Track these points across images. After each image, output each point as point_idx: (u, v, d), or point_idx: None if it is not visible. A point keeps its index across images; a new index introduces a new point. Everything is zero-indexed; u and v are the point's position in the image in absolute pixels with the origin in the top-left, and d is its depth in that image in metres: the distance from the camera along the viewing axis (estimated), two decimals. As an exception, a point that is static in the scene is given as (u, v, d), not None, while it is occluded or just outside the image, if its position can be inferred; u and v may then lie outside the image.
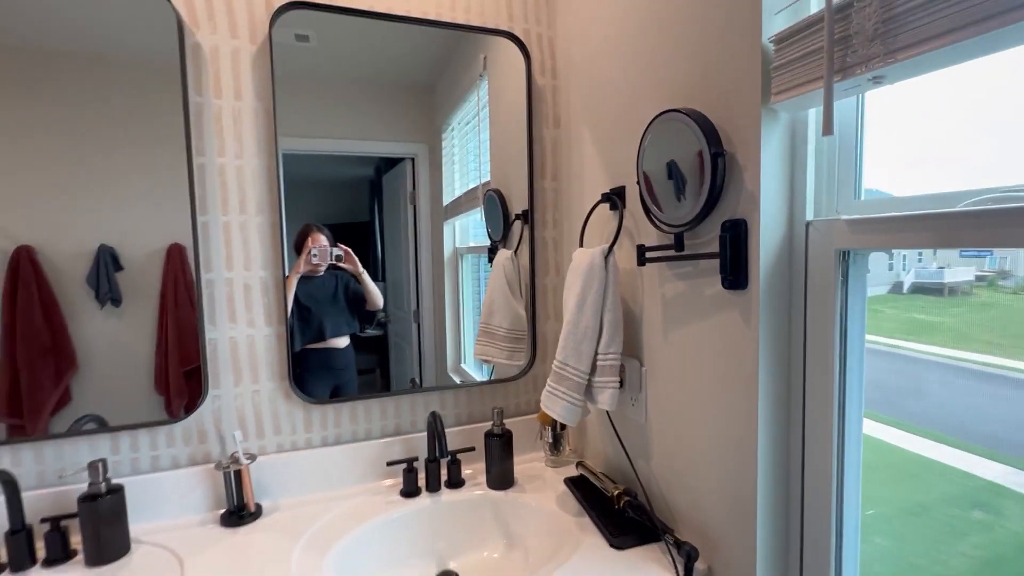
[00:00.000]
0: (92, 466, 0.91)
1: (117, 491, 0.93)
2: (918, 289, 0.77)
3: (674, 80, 0.86)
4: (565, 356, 1.00)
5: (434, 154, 1.20)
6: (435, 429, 1.07)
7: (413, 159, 1.18)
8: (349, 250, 1.15)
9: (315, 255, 1.11)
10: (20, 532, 0.88)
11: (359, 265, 1.16)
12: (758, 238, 0.72)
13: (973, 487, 0.73)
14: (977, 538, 0.71)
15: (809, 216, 0.72)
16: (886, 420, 0.79)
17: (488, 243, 1.32)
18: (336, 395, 1.16)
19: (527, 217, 1.33)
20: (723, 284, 0.77)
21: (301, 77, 1.08)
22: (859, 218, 0.64)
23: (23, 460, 0.96)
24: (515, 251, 1.34)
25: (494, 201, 1.33)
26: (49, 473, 0.97)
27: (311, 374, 1.13)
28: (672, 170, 0.82)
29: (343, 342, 1.17)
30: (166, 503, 1.02)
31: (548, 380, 1.04)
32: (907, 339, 0.76)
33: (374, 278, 1.19)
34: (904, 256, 0.81)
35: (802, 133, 0.72)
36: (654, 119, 0.85)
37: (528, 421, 1.31)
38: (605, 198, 1.06)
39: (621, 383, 0.98)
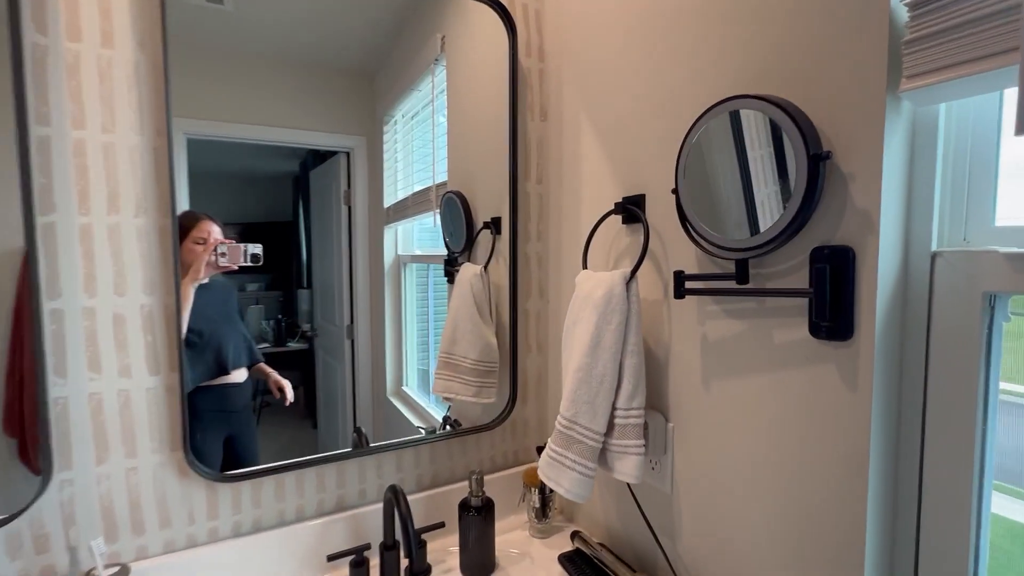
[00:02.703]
0: None
1: None
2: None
3: (734, 59, 0.66)
4: (575, 413, 0.77)
5: (374, 149, 1.02)
6: (399, 510, 0.79)
7: (348, 154, 1.01)
8: None
9: (223, 253, 0.81)
10: None
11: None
12: (874, 273, 0.53)
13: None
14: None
15: (934, 246, 0.54)
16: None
17: (440, 252, 1.10)
18: (232, 448, 0.86)
19: (498, 226, 1.09)
20: (812, 331, 0.58)
21: (211, 47, 0.81)
22: (1031, 253, 0.47)
23: None
24: (485, 267, 1.10)
25: (454, 206, 1.10)
26: None
27: (199, 423, 0.81)
28: (738, 177, 0.62)
29: (241, 375, 0.89)
30: (-24, 652, 0.67)
31: (550, 443, 0.80)
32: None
33: (299, 285, 0.97)
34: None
35: (927, 135, 0.54)
36: (711, 108, 0.64)
37: (507, 479, 1.06)
38: (620, 209, 0.85)
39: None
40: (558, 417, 0.80)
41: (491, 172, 1.10)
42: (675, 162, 0.71)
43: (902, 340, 0.56)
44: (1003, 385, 0.54)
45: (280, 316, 0.94)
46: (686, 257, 0.75)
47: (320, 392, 1.00)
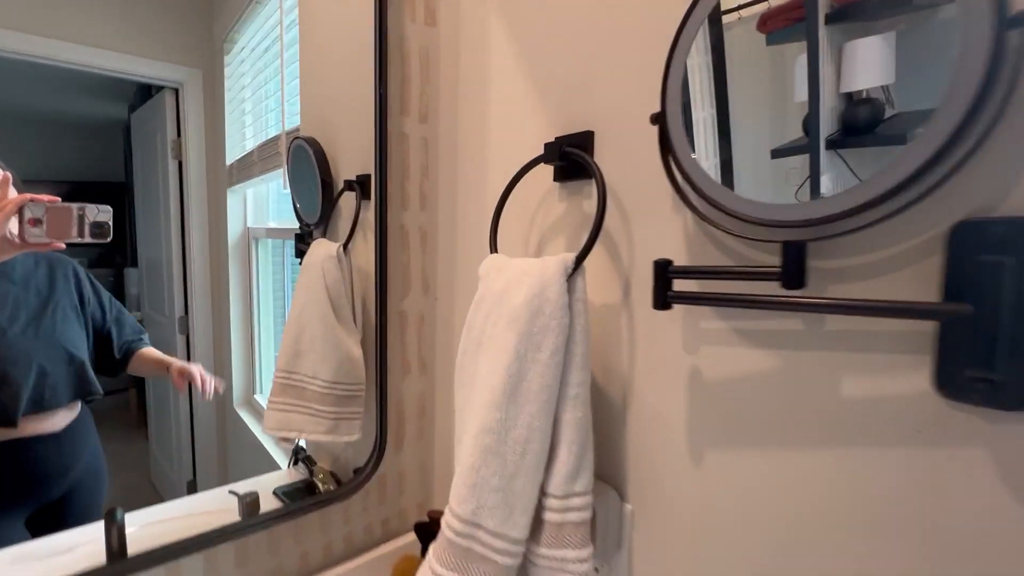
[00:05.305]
0: None
1: None
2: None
3: None
4: (476, 508, 0.43)
5: (212, 85, 0.81)
6: None
7: (177, 90, 0.79)
8: None
9: (37, 220, 0.51)
10: None
11: None
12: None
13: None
14: None
15: None
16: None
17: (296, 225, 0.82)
18: (40, 525, 0.56)
19: (366, 188, 0.75)
20: (943, 383, 0.30)
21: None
22: None
23: None
24: (345, 245, 0.76)
25: (305, 157, 0.78)
26: None
27: None
28: (807, 84, 0.31)
29: (62, 418, 0.58)
30: None
31: (433, 548, 0.46)
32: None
33: (125, 263, 0.76)
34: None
35: None
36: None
37: (369, 567, 0.70)
38: (553, 155, 0.51)
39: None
40: (446, 515, 0.45)
41: (359, 109, 0.75)
42: (663, 71, 0.39)
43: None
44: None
45: (108, 301, 0.76)
46: (668, 237, 0.44)
47: (151, 396, 0.82)
